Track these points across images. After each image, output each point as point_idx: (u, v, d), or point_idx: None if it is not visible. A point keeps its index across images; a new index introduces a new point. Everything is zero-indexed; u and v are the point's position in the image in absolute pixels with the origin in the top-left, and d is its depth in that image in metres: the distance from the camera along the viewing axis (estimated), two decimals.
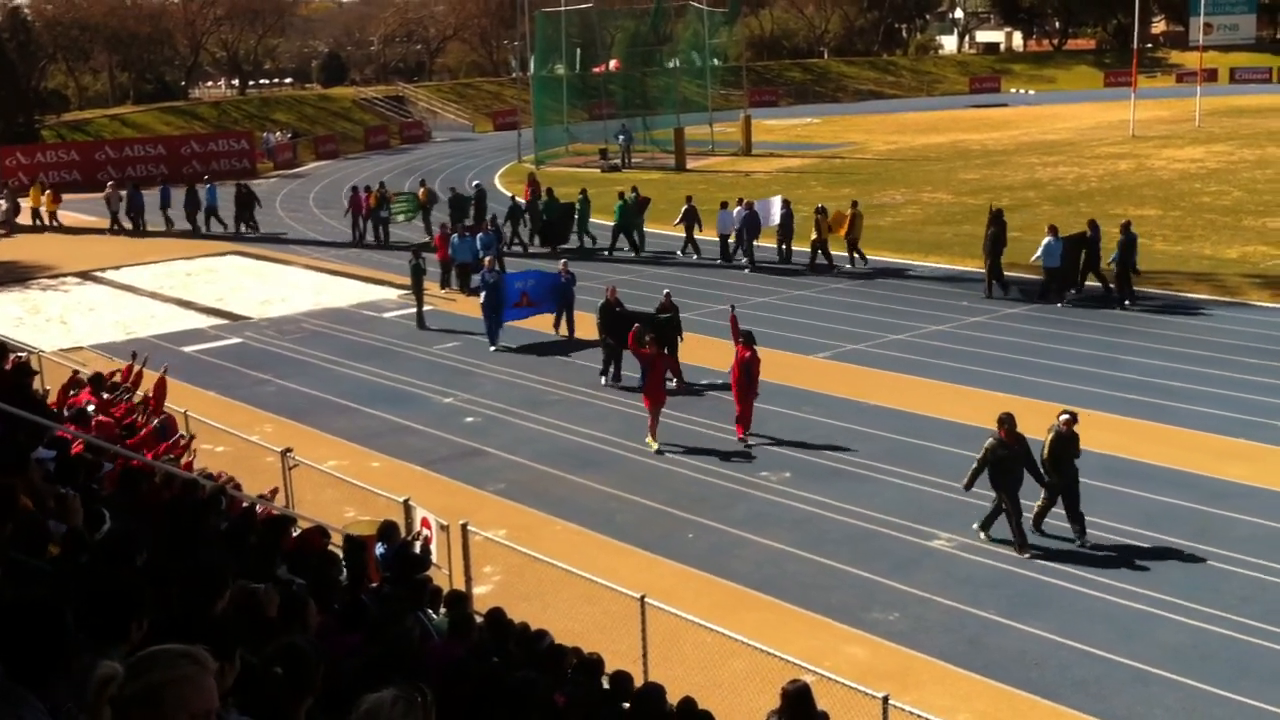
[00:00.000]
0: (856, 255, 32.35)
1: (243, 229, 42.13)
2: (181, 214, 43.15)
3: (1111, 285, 27.48)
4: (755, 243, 32.97)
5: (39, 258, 38.89)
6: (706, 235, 34.58)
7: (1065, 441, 15.14)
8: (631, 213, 35.22)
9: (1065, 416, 15.37)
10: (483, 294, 25.67)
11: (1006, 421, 15.05)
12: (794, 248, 33.19)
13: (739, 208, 33.38)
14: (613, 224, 35.64)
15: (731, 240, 33.53)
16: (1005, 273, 28.65)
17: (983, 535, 15.34)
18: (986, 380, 21.87)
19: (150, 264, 37.24)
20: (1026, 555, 14.76)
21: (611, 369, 22.67)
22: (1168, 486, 16.69)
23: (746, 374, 18.87)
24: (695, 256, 34.49)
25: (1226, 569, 14.22)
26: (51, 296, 33.19)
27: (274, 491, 13.98)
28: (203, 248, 39.72)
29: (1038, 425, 19.09)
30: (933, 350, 24.04)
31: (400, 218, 38.77)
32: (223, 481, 12.43)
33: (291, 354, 26.03)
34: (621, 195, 36.09)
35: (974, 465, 15.16)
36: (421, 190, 39.89)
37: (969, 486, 15.27)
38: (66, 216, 46.08)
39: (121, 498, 10.17)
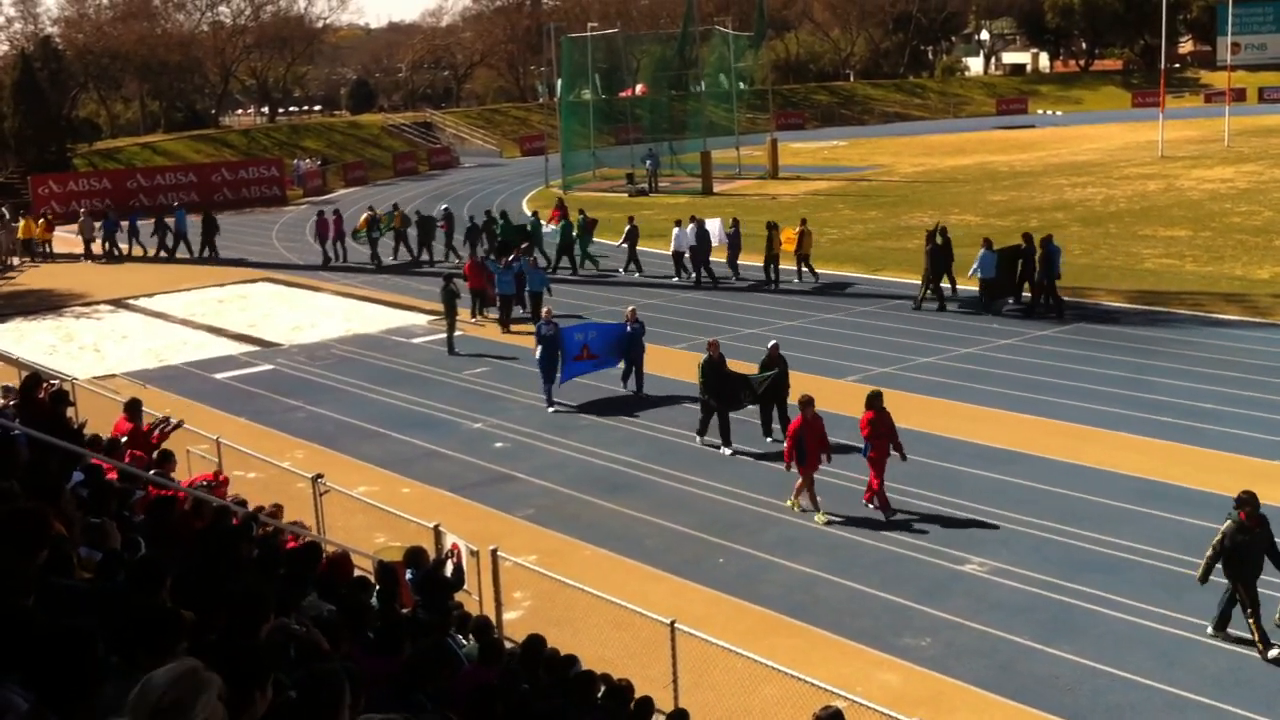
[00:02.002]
0: (806, 270, 33.61)
1: (206, 253, 43.71)
2: (152, 240, 44.86)
3: (1044, 298, 28.46)
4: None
5: (72, 285, 39.24)
6: (657, 249, 36.51)
7: None
8: (580, 234, 37.13)
9: None
10: (538, 350, 23.15)
11: (1249, 502, 12.74)
12: (741, 262, 34.38)
13: (691, 225, 34.34)
14: (557, 243, 37.36)
15: (687, 257, 34.78)
16: (936, 288, 29.71)
17: (1217, 635, 13.15)
18: (1017, 403, 21.76)
19: (182, 291, 37.51)
20: (1272, 654, 12.62)
21: (706, 428, 20.26)
22: (1202, 509, 16.51)
23: (874, 436, 16.85)
24: (637, 275, 35.98)
25: (1264, 593, 14.02)
26: (84, 324, 33.46)
27: (276, 506, 13.91)
28: (233, 275, 39.99)
29: (1070, 448, 19.03)
30: (962, 373, 23.94)
31: (376, 234, 40.94)
32: (263, 510, 12.48)
33: (322, 380, 26.14)
34: (565, 216, 38.27)
35: (1208, 553, 12.93)
36: (396, 215, 41.66)
37: (1204, 580, 13.01)
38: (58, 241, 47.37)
39: (152, 524, 10.21)
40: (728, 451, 19.81)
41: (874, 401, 16.94)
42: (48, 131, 63.58)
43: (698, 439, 20.39)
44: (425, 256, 40.21)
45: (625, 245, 36.62)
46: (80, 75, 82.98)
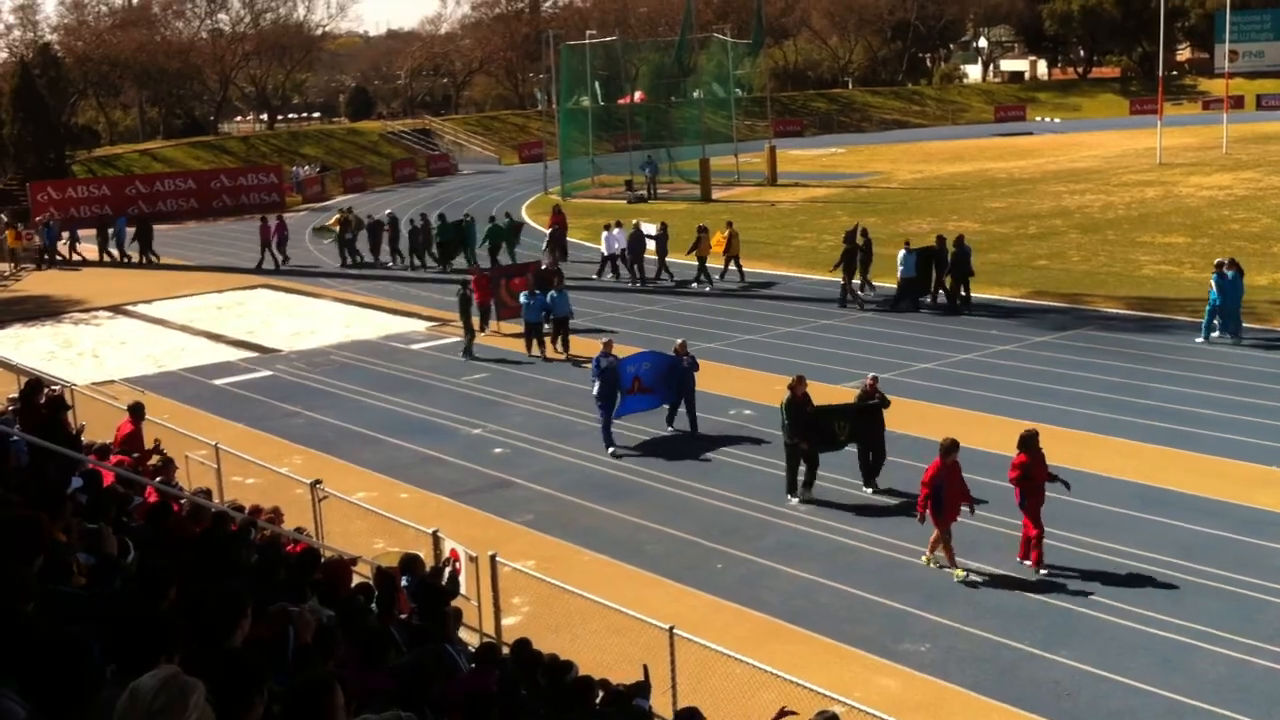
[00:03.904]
0: (735, 271, 34.98)
1: (145, 259, 44.95)
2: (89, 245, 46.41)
3: (960, 295, 30.08)
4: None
5: (70, 291, 39.24)
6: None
7: None
8: (508, 236, 38.90)
9: None
10: (595, 384, 20.97)
11: None
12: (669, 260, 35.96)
13: (618, 230, 36.18)
14: (485, 245, 38.97)
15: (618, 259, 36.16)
16: (864, 287, 31.73)
17: None
18: (1015, 409, 21.74)
19: (181, 298, 37.51)
20: None
21: (804, 483, 18.07)
22: (1200, 515, 16.53)
23: (1025, 480, 15.11)
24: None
25: (1263, 598, 14.05)
26: (83, 330, 33.44)
27: (275, 510, 13.90)
28: (232, 281, 40.01)
29: (1068, 454, 19.01)
30: (960, 379, 23.94)
31: (328, 239, 43.97)
32: (260, 511, 12.46)
33: (321, 386, 26.12)
34: (493, 219, 40.54)
35: None
36: (352, 219, 43.63)
37: None
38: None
39: (151, 530, 10.20)
40: (794, 500, 17.84)
41: (1028, 443, 15.14)
42: (47, 138, 63.57)
43: (790, 498, 17.98)
44: (376, 259, 41.98)
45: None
46: (79, 82, 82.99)
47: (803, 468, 18.00)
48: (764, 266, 36.98)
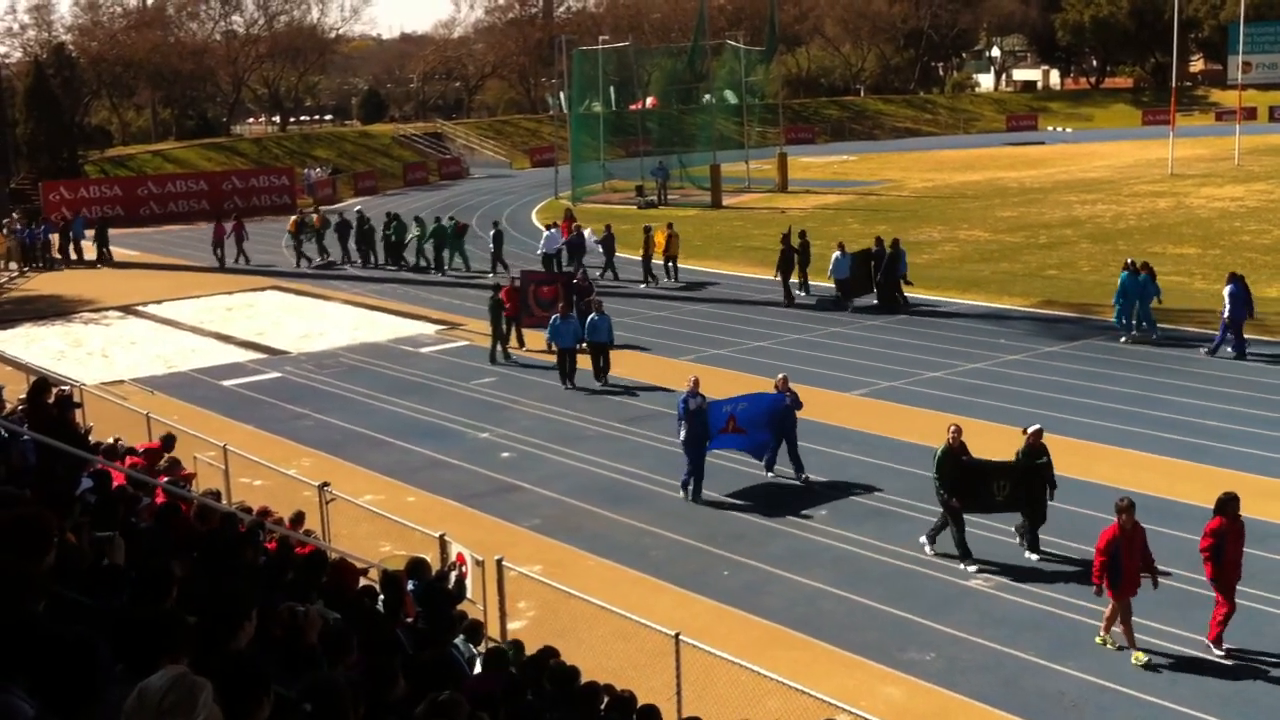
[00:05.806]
0: (672, 269, 36.77)
1: (102, 255, 45.89)
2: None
3: (895, 294, 31.71)
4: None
5: (81, 291, 39.34)
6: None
7: None
8: (451, 237, 40.09)
9: None
10: (682, 428, 18.68)
11: None
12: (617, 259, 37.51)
13: (555, 230, 37.83)
14: (431, 245, 40.66)
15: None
16: (804, 286, 33.49)
17: None
18: (1024, 419, 21.60)
19: (191, 298, 37.60)
20: None
21: (939, 535, 16.24)
22: None
23: (1219, 551, 13.06)
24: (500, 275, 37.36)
25: (1271, 611, 14.03)
26: (93, 330, 33.53)
27: (299, 514, 13.98)
28: (242, 283, 40.10)
29: (1080, 465, 18.99)
30: (970, 388, 23.92)
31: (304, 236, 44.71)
32: (269, 514, 12.50)
33: (329, 388, 26.17)
34: (439, 219, 41.69)
35: None
36: (316, 217, 45.62)
37: None
38: None
39: (159, 531, 10.23)
40: (972, 569, 15.58)
41: (1226, 507, 13.18)
42: (60, 138, 63.77)
43: (927, 546, 16.28)
44: (347, 258, 43.30)
45: (492, 248, 39.18)
46: (93, 82, 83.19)
47: (940, 519, 16.23)
48: (772, 273, 36.91)
